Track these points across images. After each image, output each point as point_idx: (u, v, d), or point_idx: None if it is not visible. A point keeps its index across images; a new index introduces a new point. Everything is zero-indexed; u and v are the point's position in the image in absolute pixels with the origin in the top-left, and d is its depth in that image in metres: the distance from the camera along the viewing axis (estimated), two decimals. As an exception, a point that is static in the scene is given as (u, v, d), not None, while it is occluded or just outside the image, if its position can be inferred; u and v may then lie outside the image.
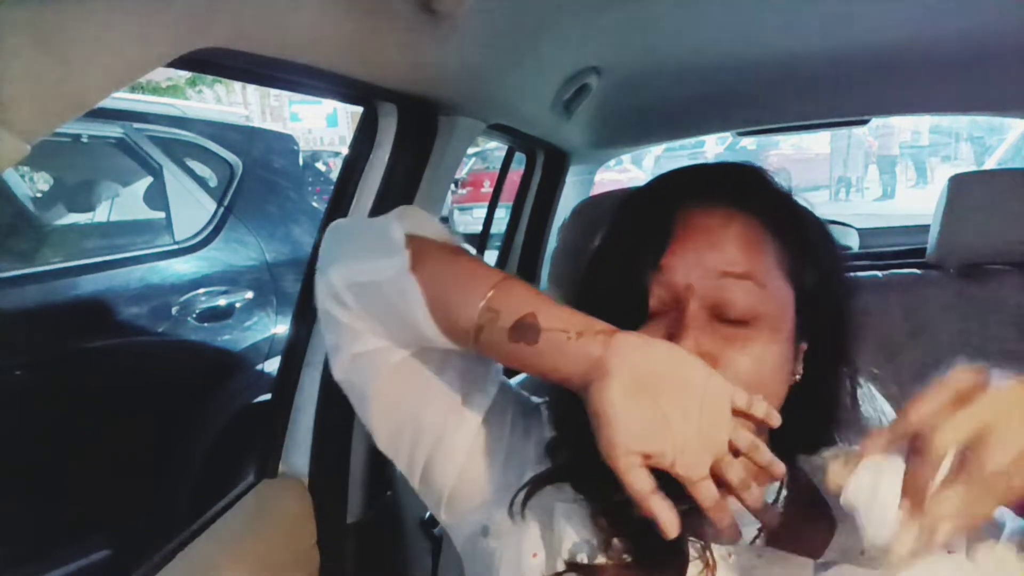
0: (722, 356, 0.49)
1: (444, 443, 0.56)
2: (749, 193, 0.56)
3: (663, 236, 0.53)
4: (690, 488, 0.43)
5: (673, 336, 0.49)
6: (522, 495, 0.55)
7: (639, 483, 0.41)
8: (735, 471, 0.43)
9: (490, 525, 0.56)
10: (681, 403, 0.42)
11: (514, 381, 0.82)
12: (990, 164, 5.96)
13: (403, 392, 0.56)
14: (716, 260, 0.52)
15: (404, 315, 0.50)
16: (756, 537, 0.54)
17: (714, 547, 0.52)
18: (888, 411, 0.72)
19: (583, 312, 0.48)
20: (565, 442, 0.58)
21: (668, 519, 0.42)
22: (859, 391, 0.60)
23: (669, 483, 0.42)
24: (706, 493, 0.43)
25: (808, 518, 0.55)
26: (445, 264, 0.51)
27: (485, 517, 0.56)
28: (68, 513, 1.61)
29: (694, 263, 0.52)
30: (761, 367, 0.50)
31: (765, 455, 0.43)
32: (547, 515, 0.54)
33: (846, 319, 0.58)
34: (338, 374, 0.56)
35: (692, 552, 0.51)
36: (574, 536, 0.52)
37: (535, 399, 0.65)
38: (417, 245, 0.51)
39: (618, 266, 0.55)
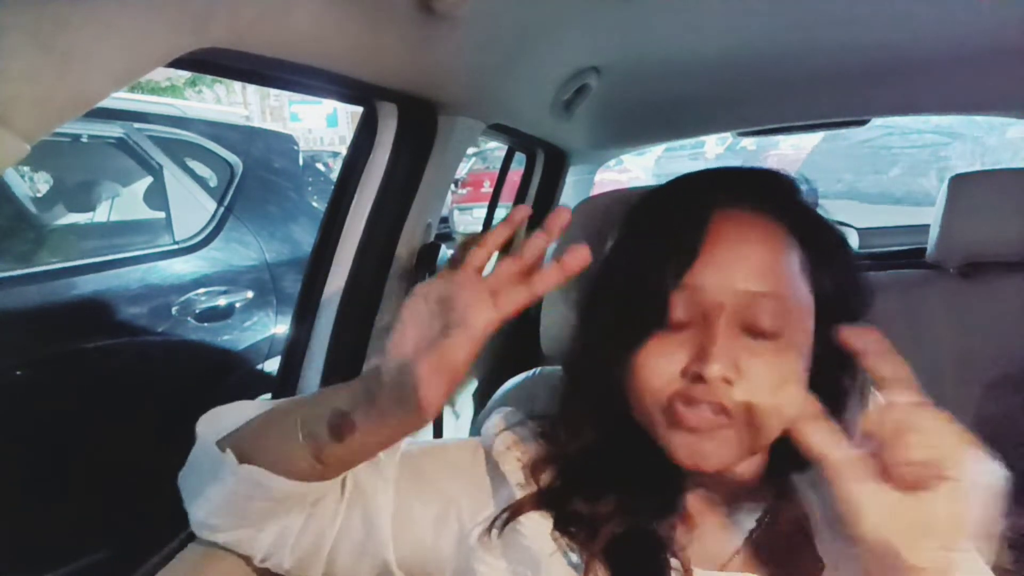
0: (750, 369, 0.49)
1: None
2: (774, 199, 0.56)
3: (688, 252, 0.52)
4: None
5: (704, 349, 0.49)
6: (504, 517, 0.55)
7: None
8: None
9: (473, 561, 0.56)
10: None
11: (499, 393, 0.82)
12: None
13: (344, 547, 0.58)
14: (744, 277, 0.51)
15: (268, 493, 0.53)
16: (733, 557, 0.54)
17: (695, 570, 0.51)
18: None
19: (595, 316, 0.56)
20: (554, 460, 0.57)
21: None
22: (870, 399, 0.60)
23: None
24: None
25: (793, 549, 0.54)
26: (260, 434, 0.56)
27: (464, 559, 0.56)
28: (67, 513, 1.61)
29: (722, 281, 0.51)
30: (787, 379, 0.50)
31: None
32: (525, 540, 0.54)
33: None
34: (288, 564, 0.59)
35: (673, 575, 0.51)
36: (558, 559, 0.52)
37: (514, 415, 0.63)
38: (232, 441, 0.56)
39: (638, 277, 0.53)
